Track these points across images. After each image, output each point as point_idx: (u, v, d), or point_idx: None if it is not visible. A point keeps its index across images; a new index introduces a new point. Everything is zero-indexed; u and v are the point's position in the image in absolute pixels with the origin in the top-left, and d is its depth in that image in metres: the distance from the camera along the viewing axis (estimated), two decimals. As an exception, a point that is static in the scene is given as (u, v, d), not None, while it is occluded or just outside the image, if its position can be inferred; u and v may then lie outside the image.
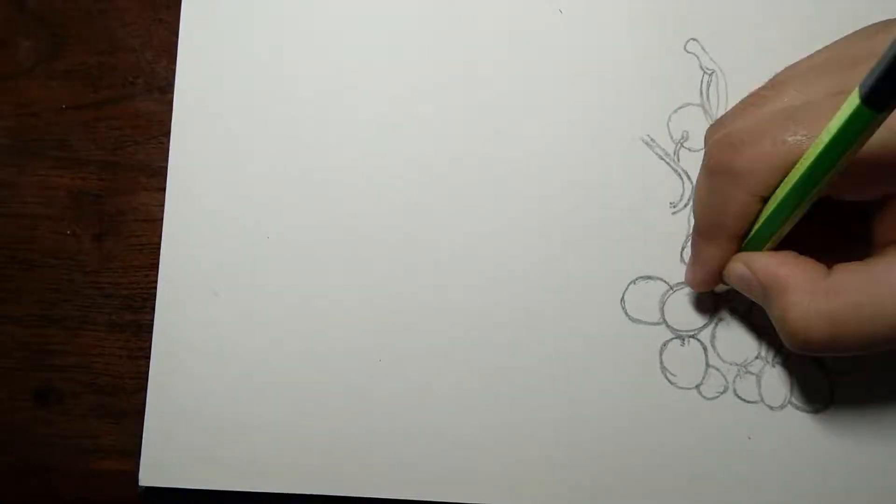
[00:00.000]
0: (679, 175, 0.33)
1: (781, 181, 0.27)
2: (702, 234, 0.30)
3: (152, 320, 0.32)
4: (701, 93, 0.34)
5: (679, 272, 0.33)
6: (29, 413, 0.33)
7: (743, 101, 0.30)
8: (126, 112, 0.34)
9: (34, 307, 0.34)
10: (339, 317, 0.33)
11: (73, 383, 0.33)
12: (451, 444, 0.32)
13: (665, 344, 0.33)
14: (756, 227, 0.29)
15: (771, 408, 0.33)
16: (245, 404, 0.32)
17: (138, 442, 0.32)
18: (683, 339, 0.33)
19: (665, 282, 0.33)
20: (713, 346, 0.33)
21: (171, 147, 0.33)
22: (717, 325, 0.33)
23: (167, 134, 0.33)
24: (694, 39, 0.34)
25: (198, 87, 0.33)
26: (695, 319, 0.33)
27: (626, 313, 0.33)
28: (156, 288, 0.33)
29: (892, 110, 0.23)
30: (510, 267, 0.33)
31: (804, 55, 0.29)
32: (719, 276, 0.31)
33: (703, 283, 0.31)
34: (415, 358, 0.33)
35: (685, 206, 0.33)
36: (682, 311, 0.33)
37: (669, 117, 0.33)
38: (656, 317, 0.33)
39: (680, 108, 0.34)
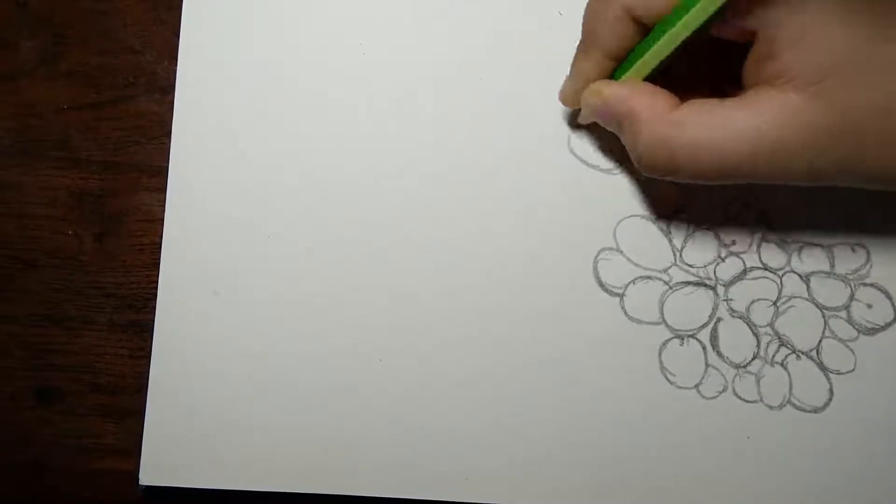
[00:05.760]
0: (678, 175, 0.33)
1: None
2: (581, 45, 0.31)
3: (153, 320, 0.32)
4: (700, 93, 0.34)
5: (678, 273, 0.33)
6: (30, 413, 0.33)
7: None
8: (127, 112, 0.34)
9: (35, 307, 0.34)
10: (340, 317, 0.33)
11: (75, 383, 0.33)
12: (451, 444, 0.32)
13: (664, 344, 0.33)
14: (631, 55, 0.30)
15: (770, 408, 0.33)
16: (245, 404, 0.32)
17: (139, 441, 0.32)
18: (683, 339, 0.33)
19: (664, 281, 0.33)
20: (713, 345, 0.33)
21: (171, 147, 0.33)
22: (716, 324, 0.33)
23: (168, 134, 0.33)
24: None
25: (199, 87, 0.33)
26: (694, 319, 0.33)
27: (626, 313, 0.33)
28: (157, 288, 0.33)
29: None
30: (510, 267, 0.33)
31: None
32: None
33: (570, 97, 0.32)
34: (415, 358, 0.33)
35: (684, 206, 0.33)
36: (682, 311, 0.33)
37: (669, 118, 0.34)
38: (656, 316, 0.33)
39: (679, 108, 0.34)
